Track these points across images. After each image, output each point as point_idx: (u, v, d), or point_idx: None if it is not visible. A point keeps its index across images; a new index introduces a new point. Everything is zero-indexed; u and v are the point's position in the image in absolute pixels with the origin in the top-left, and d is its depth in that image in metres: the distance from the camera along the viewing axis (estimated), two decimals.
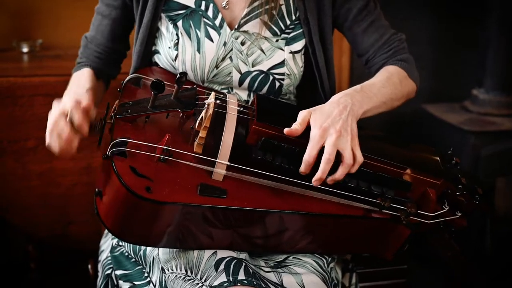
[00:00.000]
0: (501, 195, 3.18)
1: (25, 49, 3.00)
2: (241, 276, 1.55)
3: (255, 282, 1.54)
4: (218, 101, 1.66)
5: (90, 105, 1.62)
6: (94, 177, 2.62)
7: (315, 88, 1.95)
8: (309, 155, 1.52)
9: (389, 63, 1.90)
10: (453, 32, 3.75)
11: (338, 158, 1.53)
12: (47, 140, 1.65)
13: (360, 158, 1.56)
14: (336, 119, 1.55)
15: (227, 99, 1.69)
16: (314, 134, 1.53)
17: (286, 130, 1.55)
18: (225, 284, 1.53)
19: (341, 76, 3.55)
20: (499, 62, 3.33)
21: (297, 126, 1.55)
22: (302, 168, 1.53)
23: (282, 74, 1.86)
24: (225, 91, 1.88)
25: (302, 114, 1.57)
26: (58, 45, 3.15)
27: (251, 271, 1.58)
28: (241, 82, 1.87)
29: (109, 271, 1.85)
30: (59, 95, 1.75)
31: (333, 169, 1.54)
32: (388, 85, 1.78)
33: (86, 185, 2.66)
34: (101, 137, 1.65)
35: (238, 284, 1.52)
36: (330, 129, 1.53)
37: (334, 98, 1.64)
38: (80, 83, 1.90)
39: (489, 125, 3.24)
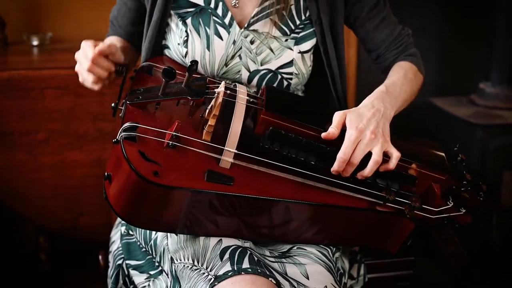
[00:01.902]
0: (509, 189, 3.18)
1: (35, 42, 3.01)
2: (246, 264, 1.56)
3: (259, 270, 1.56)
4: (228, 91, 1.68)
5: (102, 51, 1.74)
6: (105, 169, 2.65)
7: (325, 87, 1.97)
8: (344, 152, 1.55)
9: (400, 59, 1.94)
10: (461, 25, 3.75)
11: (369, 157, 1.57)
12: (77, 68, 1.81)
13: (396, 153, 1.60)
14: (371, 121, 1.59)
15: (237, 89, 1.71)
16: (350, 134, 1.56)
17: (323, 134, 1.58)
18: (230, 273, 1.54)
19: (349, 69, 3.56)
20: (506, 55, 3.33)
21: (333, 130, 1.58)
22: (336, 166, 1.57)
23: (290, 73, 1.88)
24: None
25: (337, 117, 1.61)
26: (67, 38, 3.16)
27: (255, 259, 1.59)
28: (249, 80, 1.88)
29: (120, 261, 1.87)
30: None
31: (363, 166, 1.58)
32: (406, 82, 1.83)
33: (97, 177, 2.67)
34: (116, 109, 1.72)
35: (243, 272, 1.54)
36: (366, 131, 1.57)
37: (367, 101, 1.68)
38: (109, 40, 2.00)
39: (496, 118, 3.24)
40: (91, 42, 1.76)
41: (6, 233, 2.89)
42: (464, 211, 1.72)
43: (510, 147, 3.17)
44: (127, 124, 1.52)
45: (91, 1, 3.19)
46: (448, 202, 1.71)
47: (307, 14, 1.89)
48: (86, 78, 1.77)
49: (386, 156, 1.60)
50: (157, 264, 1.76)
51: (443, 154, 1.78)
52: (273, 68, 1.87)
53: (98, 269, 2.21)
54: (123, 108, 1.65)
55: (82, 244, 2.75)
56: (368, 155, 1.57)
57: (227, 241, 1.63)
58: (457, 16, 3.73)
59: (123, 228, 1.91)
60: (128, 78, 1.82)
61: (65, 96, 2.55)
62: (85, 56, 1.74)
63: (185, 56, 1.86)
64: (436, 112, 3.45)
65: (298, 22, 1.88)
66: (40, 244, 2.81)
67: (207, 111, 1.62)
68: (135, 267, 1.82)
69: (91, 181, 2.69)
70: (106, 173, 1.55)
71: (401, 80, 1.82)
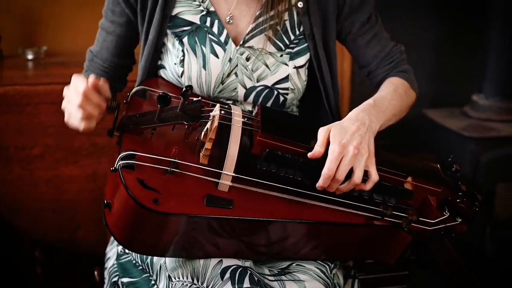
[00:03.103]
0: (502, 201, 3.19)
1: (30, 56, 3.02)
2: (246, 284, 1.58)
3: None
4: (223, 112, 1.69)
5: (97, 79, 1.64)
6: (100, 184, 2.65)
7: (319, 100, 1.98)
8: (328, 168, 1.54)
9: (392, 75, 1.94)
10: (455, 36, 3.76)
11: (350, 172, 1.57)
12: (66, 116, 1.69)
13: (375, 177, 1.59)
14: (355, 136, 1.58)
15: (232, 111, 1.72)
16: (333, 149, 1.55)
17: (309, 154, 1.57)
18: None
19: (343, 82, 3.57)
20: (499, 67, 3.33)
21: (318, 148, 1.58)
22: (321, 182, 1.56)
23: (286, 88, 1.89)
24: (229, 102, 1.90)
25: (321, 133, 1.59)
26: (62, 52, 3.18)
27: (256, 279, 1.61)
28: (246, 97, 1.89)
29: (115, 279, 1.87)
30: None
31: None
32: (396, 97, 1.82)
33: (93, 192, 2.68)
34: (115, 124, 1.68)
35: None
36: (349, 146, 1.55)
37: (352, 114, 1.67)
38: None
39: (489, 131, 3.24)
40: (83, 76, 1.66)
41: (2, 246, 2.89)
42: (460, 220, 1.74)
43: (503, 159, 3.17)
44: (124, 153, 1.53)
45: (86, 14, 3.20)
46: (444, 213, 1.73)
47: (301, 29, 1.90)
48: (75, 114, 1.63)
49: (365, 175, 1.59)
50: (153, 282, 1.76)
51: (438, 166, 1.80)
52: (269, 84, 1.88)
53: (94, 283, 2.22)
54: (118, 134, 1.65)
55: (78, 257, 2.75)
56: (351, 170, 1.57)
57: (228, 261, 1.64)
58: (452, 27, 3.75)
59: (119, 248, 1.92)
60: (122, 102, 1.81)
61: (60, 111, 2.47)
62: (75, 91, 1.63)
63: (181, 76, 1.87)
64: (430, 124, 3.46)
65: (292, 37, 1.89)
66: (36, 258, 2.80)
67: (203, 133, 1.63)
68: (131, 285, 1.82)
69: (86, 195, 2.70)
70: (105, 201, 1.56)
71: (390, 95, 1.82)
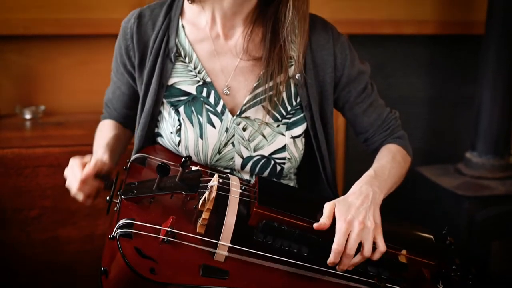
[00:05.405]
0: (496, 259, 3.20)
1: (27, 116, 3.05)
2: None
3: None
4: (220, 180, 1.70)
5: (88, 175, 1.77)
6: (98, 245, 2.66)
7: (315, 168, 2.00)
8: (338, 244, 1.57)
9: (388, 141, 1.99)
10: (447, 93, 3.81)
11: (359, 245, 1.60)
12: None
13: (382, 248, 1.62)
14: (360, 210, 1.62)
15: (230, 181, 1.73)
16: (340, 226, 1.59)
17: (315, 225, 1.60)
18: None
19: (337, 137, 3.59)
20: (492, 125, 3.35)
21: (325, 220, 1.61)
22: (332, 258, 1.58)
23: (283, 158, 1.91)
24: (227, 171, 1.92)
25: (327, 207, 1.63)
26: (60, 111, 3.21)
27: None
28: (243, 166, 1.91)
29: None
30: (62, 166, 1.83)
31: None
32: (395, 165, 1.86)
33: (90, 253, 2.70)
34: (110, 203, 1.73)
35: None
36: (354, 222, 1.59)
37: (356, 187, 1.71)
38: (102, 135, 2.05)
39: (483, 189, 3.25)
40: (79, 160, 1.81)
41: None
42: None
43: (497, 218, 3.17)
44: (123, 221, 1.54)
45: (84, 73, 3.23)
46: (438, 285, 1.74)
47: (298, 100, 1.92)
48: (77, 196, 1.81)
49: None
50: None
51: (431, 237, 1.81)
52: (266, 154, 1.90)
53: None
54: (118, 201, 1.67)
55: None
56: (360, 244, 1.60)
57: None
58: (445, 84, 3.80)
59: None
60: (121, 168, 1.85)
61: (57, 173, 2.57)
62: (74, 176, 1.79)
63: (178, 145, 1.89)
64: (424, 181, 3.46)
65: (289, 108, 1.91)
66: None
67: (201, 202, 1.64)
68: None
69: (84, 256, 2.71)
70: (102, 268, 1.56)
71: (390, 163, 1.85)
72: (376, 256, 1.62)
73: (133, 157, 1.85)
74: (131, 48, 1.92)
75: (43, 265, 2.69)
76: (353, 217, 1.60)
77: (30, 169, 2.60)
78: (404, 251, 1.70)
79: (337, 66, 1.92)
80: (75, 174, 1.78)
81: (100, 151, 1.93)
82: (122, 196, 1.65)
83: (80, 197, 1.81)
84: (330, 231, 1.61)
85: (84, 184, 1.77)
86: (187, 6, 1.91)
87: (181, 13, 1.91)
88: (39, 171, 2.61)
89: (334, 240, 1.58)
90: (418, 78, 3.77)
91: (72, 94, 3.24)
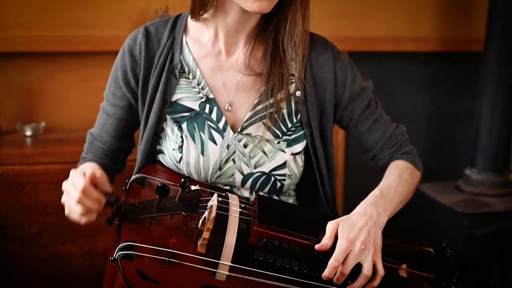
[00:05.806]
0: (496, 276, 3.19)
1: (28, 133, 3.05)
2: None
3: None
4: (220, 199, 1.71)
5: (94, 173, 1.67)
6: (98, 262, 2.67)
7: (314, 185, 2.01)
8: (335, 259, 1.59)
9: (396, 158, 1.99)
10: (448, 109, 3.83)
11: (359, 268, 1.61)
12: (66, 211, 1.71)
13: (381, 272, 1.63)
14: (363, 231, 1.63)
15: (229, 200, 1.74)
16: (341, 244, 1.60)
17: (317, 246, 1.61)
18: None
19: (337, 154, 3.61)
20: (491, 141, 3.35)
21: (326, 241, 1.62)
22: (326, 272, 1.60)
23: (284, 175, 1.91)
24: (227, 187, 1.93)
25: (330, 227, 1.64)
26: (60, 128, 3.22)
27: None
28: (243, 183, 1.91)
29: None
30: (62, 182, 1.78)
31: (353, 277, 1.62)
32: (402, 183, 1.86)
33: (90, 269, 2.70)
34: (113, 215, 1.69)
35: None
36: (356, 241, 1.61)
37: (361, 207, 1.72)
38: (87, 164, 1.98)
39: (482, 206, 3.24)
40: (80, 171, 1.68)
41: None
42: None
43: (497, 235, 3.17)
44: (124, 244, 1.55)
45: (84, 90, 3.23)
46: None
47: (298, 117, 1.93)
48: (74, 209, 1.65)
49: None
50: None
51: (431, 250, 1.82)
52: (267, 171, 1.91)
53: None
54: (118, 222, 1.67)
55: None
56: (359, 265, 1.61)
57: None
58: (445, 100, 3.81)
59: None
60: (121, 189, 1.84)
61: (58, 190, 2.48)
62: (74, 186, 1.64)
63: (179, 162, 1.89)
64: (423, 198, 3.46)
65: (289, 125, 1.92)
66: None
67: (201, 222, 1.65)
68: None
69: (84, 273, 2.71)
70: None
71: (396, 182, 1.85)
72: (376, 282, 1.64)
73: (132, 177, 1.84)
74: (139, 64, 1.91)
75: (44, 281, 2.69)
76: (356, 237, 1.61)
77: (30, 186, 2.61)
78: (404, 265, 1.71)
79: (337, 84, 1.93)
80: (76, 184, 1.63)
81: (91, 167, 1.88)
82: (123, 218, 1.66)
83: (78, 210, 1.64)
84: (331, 249, 1.62)
85: (85, 195, 1.62)
86: (190, 23, 1.92)
87: (185, 30, 1.93)
88: (39, 187, 2.61)
89: (333, 255, 1.59)
90: (418, 95, 3.78)
91: (72, 111, 3.24)
